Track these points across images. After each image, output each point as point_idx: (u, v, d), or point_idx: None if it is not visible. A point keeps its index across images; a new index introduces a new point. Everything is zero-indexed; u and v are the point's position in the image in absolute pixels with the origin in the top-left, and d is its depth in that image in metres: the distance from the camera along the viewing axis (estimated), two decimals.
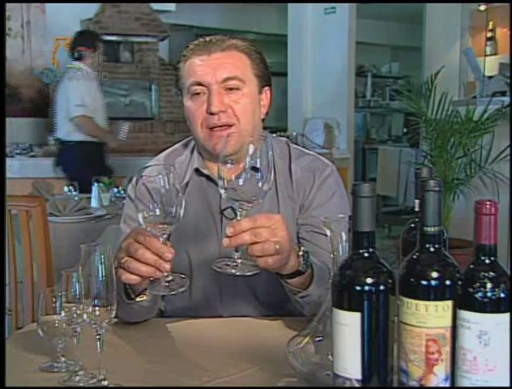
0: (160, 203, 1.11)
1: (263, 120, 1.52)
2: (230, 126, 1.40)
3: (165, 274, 1.13)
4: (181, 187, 1.14)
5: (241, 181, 1.10)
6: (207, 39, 1.43)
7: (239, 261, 1.12)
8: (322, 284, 1.22)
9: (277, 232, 1.10)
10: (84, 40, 4.57)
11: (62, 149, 4.58)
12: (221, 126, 1.40)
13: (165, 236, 1.13)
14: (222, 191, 1.11)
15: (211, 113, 1.39)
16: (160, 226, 1.12)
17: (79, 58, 4.48)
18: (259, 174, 1.10)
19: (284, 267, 1.17)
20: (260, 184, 1.10)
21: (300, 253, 1.21)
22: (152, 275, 1.13)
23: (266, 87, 1.50)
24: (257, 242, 1.08)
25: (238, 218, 1.11)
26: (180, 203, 1.12)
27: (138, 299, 1.27)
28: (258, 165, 1.10)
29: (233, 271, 1.12)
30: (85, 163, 4.37)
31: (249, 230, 1.07)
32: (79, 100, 4.33)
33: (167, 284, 1.14)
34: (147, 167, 1.18)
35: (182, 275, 1.16)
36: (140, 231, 1.15)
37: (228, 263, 1.13)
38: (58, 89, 4.59)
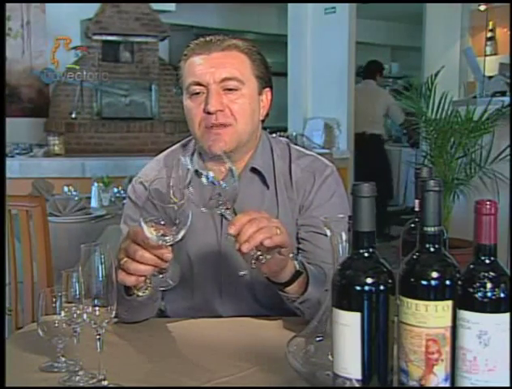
0: (168, 218, 1.13)
1: (263, 121, 1.51)
2: (227, 125, 1.40)
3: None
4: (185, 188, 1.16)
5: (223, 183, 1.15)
6: (208, 38, 1.42)
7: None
8: (319, 286, 1.22)
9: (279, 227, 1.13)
10: (375, 68, 6.32)
11: None
12: (218, 126, 1.40)
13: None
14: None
15: (209, 113, 1.38)
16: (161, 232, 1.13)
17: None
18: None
19: (284, 270, 1.19)
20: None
21: (291, 255, 1.23)
22: (151, 273, 1.17)
23: (267, 89, 1.49)
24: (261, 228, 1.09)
25: (229, 219, 1.14)
26: (184, 220, 1.13)
27: (140, 293, 1.27)
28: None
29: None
30: None
31: (248, 222, 1.09)
32: None
33: (162, 277, 1.18)
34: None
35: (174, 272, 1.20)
36: (138, 231, 1.15)
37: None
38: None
